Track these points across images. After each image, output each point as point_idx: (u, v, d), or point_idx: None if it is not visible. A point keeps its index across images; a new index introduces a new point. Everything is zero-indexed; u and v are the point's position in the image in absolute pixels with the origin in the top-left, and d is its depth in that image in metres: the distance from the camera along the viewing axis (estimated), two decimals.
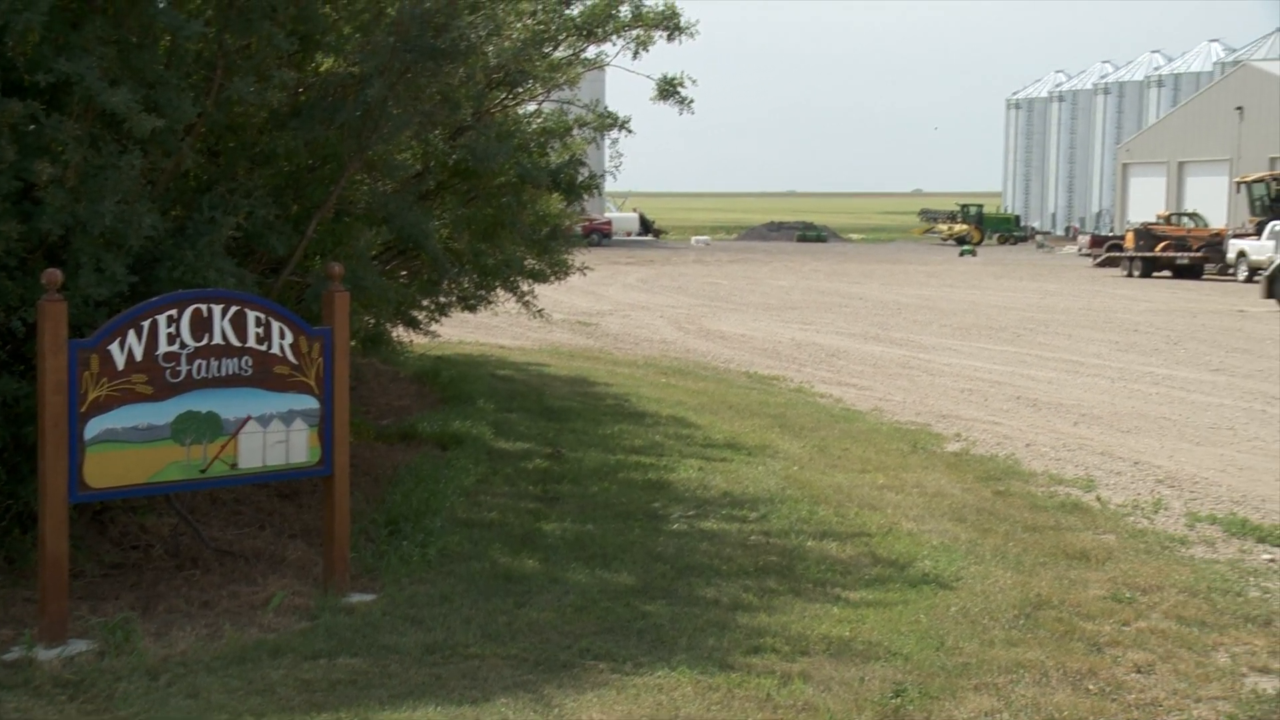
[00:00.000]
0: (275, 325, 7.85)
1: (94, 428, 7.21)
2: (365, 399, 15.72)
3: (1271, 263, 34.35)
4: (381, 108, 8.69)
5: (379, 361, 17.71)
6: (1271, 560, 9.85)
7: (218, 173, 8.95)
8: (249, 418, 7.78)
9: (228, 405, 7.69)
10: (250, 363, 7.75)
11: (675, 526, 10.33)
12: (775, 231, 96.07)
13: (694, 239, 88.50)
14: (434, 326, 16.02)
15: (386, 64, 8.61)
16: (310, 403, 8.04)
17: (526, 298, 15.30)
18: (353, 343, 12.59)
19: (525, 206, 12.61)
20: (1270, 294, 34.45)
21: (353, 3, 9.24)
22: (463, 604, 8.11)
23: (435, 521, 9.83)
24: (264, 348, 7.80)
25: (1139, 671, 7.33)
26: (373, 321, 12.95)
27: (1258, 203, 44.74)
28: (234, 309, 7.68)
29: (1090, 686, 7.04)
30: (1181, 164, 71.07)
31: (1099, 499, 11.84)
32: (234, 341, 7.68)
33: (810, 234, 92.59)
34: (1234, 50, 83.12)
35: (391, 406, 15.78)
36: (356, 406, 13.99)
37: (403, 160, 10.29)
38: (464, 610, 7.98)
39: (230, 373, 7.68)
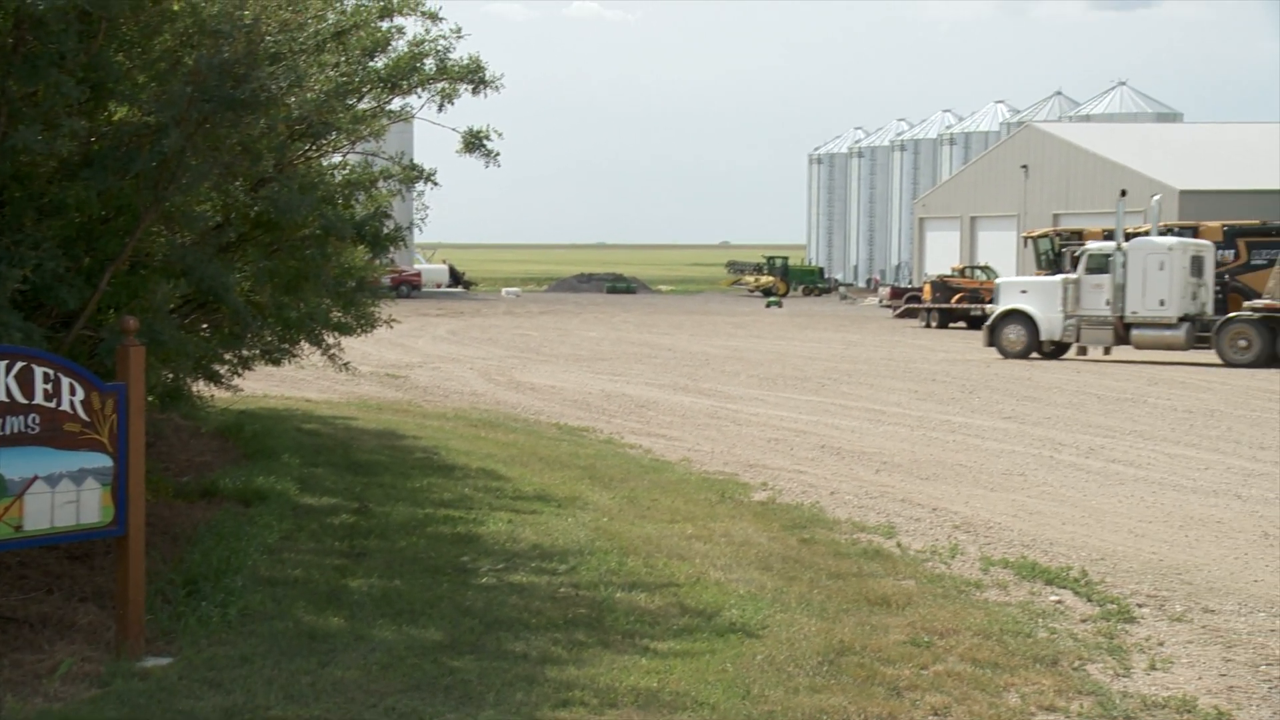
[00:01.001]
0: (65, 381, 7.58)
1: None
2: (164, 456, 15.25)
3: (992, 313, 36.58)
4: (179, 158, 8.49)
5: (179, 417, 17.21)
6: (1059, 602, 10.24)
7: (2, 224, 8.61)
8: (36, 477, 7.48)
9: (12, 465, 7.38)
10: (38, 420, 7.46)
11: (484, 580, 10.25)
12: (585, 283, 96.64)
13: (504, 290, 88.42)
14: (237, 380, 15.65)
15: (184, 114, 8.41)
16: (103, 461, 7.77)
17: (332, 351, 15.06)
18: (150, 398, 12.21)
19: (330, 259, 12.43)
20: (991, 343, 36.04)
21: (147, 51, 9.02)
22: (264, 664, 7.90)
23: (236, 580, 9.57)
24: (53, 405, 7.52)
25: (936, 714, 7.52)
26: (171, 376, 12.59)
27: (1043, 256, 46.98)
28: (19, 365, 7.39)
29: None
30: (974, 218, 73.90)
31: (899, 545, 12.15)
32: (19, 399, 7.38)
33: (620, 285, 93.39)
34: (1018, 111, 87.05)
35: (192, 463, 15.34)
36: (154, 464, 13.56)
37: (202, 211, 10.05)
38: (265, 671, 7.77)
39: (15, 431, 7.38)
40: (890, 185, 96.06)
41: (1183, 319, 33.94)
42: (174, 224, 9.65)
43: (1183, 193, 57.59)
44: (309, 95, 10.13)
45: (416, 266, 79.18)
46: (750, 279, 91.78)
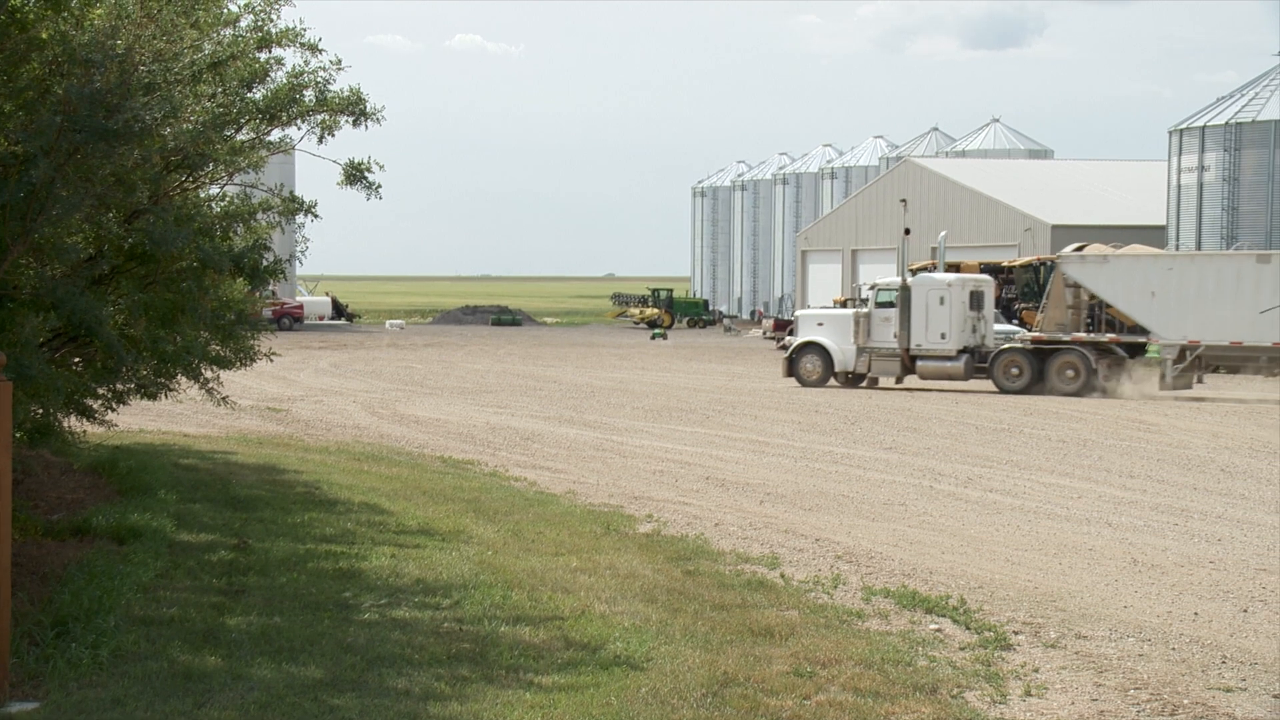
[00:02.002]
0: None
1: None
2: (33, 493, 14.84)
3: (790, 345, 37.99)
4: (48, 189, 8.31)
5: (49, 453, 16.77)
6: (938, 630, 10.39)
7: None
8: None
9: None
10: None
11: (366, 616, 10.12)
12: (470, 315, 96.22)
13: (388, 323, 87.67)
14: (111, 416, 15.34)
15: (53, 144, 8.24)
16: None
17: (210, 385, 14.83)
18: (18, 434, 11.90)
19: (207, 292, 12.25)
20: (790, 373, 37.31)
21: (14, 79, 8.83)
22: (137, 707, 7.72)
23: (108, 620, 9.33)
24: None
25: None
26: (41, 411, 12.28)
27: None
28: None
29: None
30: (855, 251, 75.03)
31: (783, 576, 12.24)
32: None
33: (505, 317, 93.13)
34: (897, 146, 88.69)
35: (63, 500, 14.95)
36: (22, 501, 13.20)
37: (73, 243, 9.84)
38: (138, 714, 7.59)
39: None
40: (773, 218, 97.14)
41: (962, 351, 35.64)
42: (44, 256, 9.44)
43: (1055, 227, 59.08)
44: (185, 126, 10.00)
45: (299, 299, 78.23)
46: (635, 311, 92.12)
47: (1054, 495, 17.56)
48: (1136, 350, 34.92)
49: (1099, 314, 35.53)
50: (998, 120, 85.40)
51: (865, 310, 36.59)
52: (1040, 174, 72.48)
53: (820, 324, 37.58)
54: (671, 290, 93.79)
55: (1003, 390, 34.70)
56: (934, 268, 50.23)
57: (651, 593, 11.20)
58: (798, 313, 41.23)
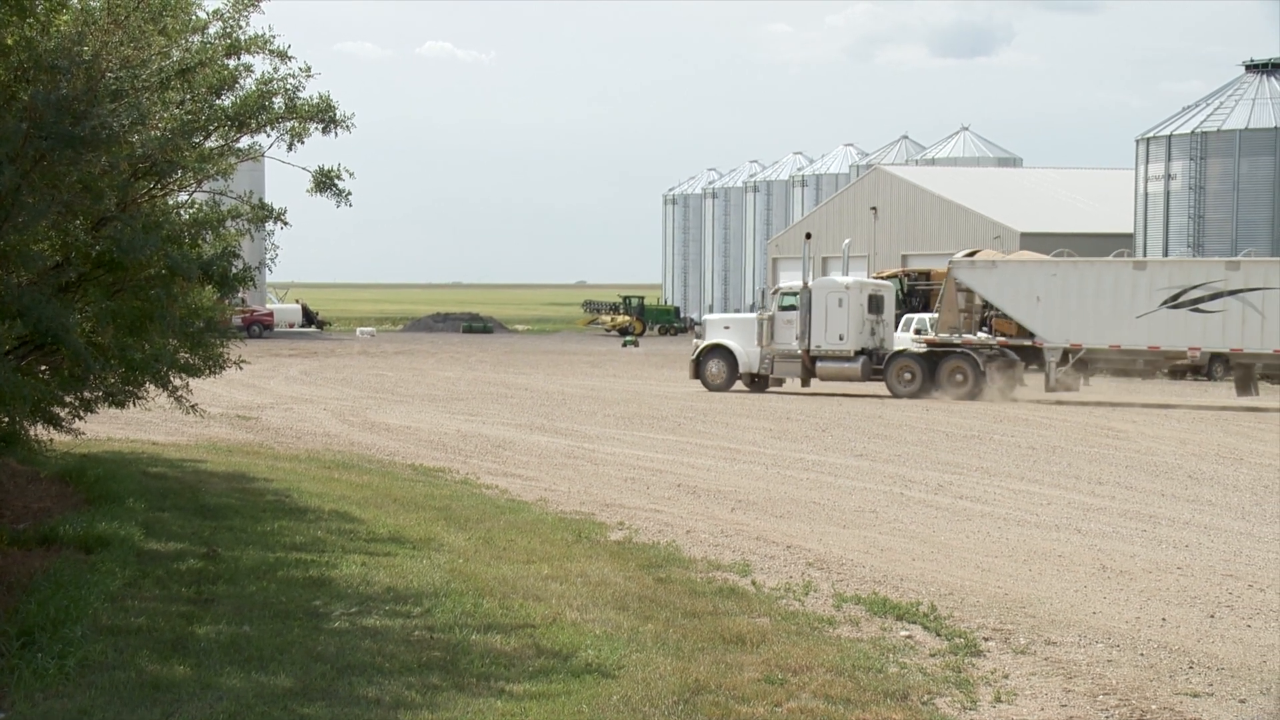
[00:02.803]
0: None
1: None
2: None
3: (698, 349, 38.48)
4: (14, 196, 8.25)
5: (15, 462, 16.63)
6: (909, 637, 10.42)
7: None
8: None
9: None
10: None
11: (337, 624, 10.08)
12: (441, 322, 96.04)
13: (359, 330, 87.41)
14: (78, 424, 15.24)
15: (19, 150, 8.19)
16: None
17: (179, 392, 14.75)
18: None
19: (176, 299, 12.19)
20: (696, 375, 37.79)
21: None
22: (103, 718, 7.67)
23: (75, 630, 9.27)
24: None
25: None
26: (6, 420, 12.19)
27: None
28: None
29: None
30: (825, 259, 75.23)
31: (754, 583, 12.25)
32: None
33: (476, 325, 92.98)
34: (867, 154, 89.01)
35: (30, 509, 14.83)
36: None
37: (40, 250, 9.78)
38: None
39: None
40: (744, 225, 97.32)
41: (860, 353, 36.32)
42: (9, 263, 9.37)
43: (1024, 234, 59.38)
44: (153, 133, 9.95)
45: (269, 306, 77.93)
46: (606, 318, 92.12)
47: (1023, 502, 17.64)
48: (1034, 354, 35.66)
49: (989, 318, 36.68)
50: (967, 128, 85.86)
51: (769, 313, 37.23)
52: (1009, 182, 72.85)
53: (727, 327, 38.35)
54: (643, 298, 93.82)
55: (895, 394, 35.35)
56: (904, 276, 50.42)
57: (623, 600, 11.19)
58: (705, 317, 42.23)
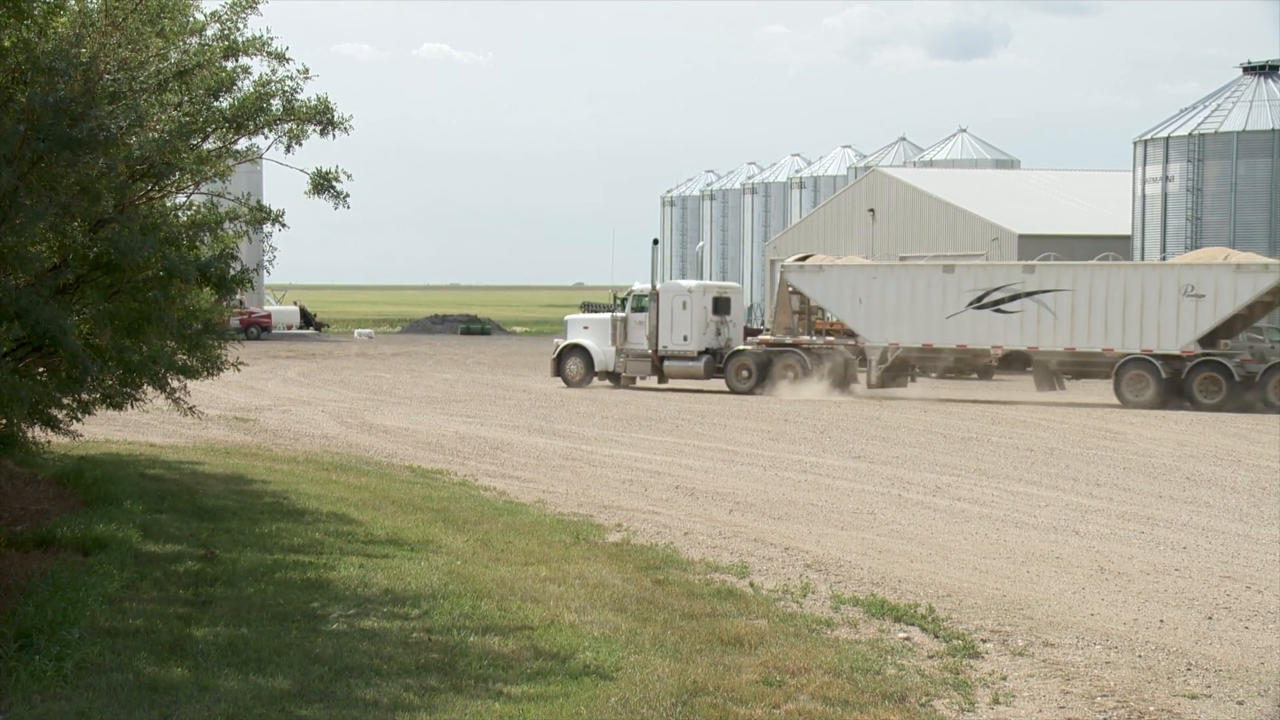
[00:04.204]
0: None
1: None
2: None
3: (558, 348, 40.31)
4: (12, 197, 8.25)
5: (13, 464, 16.63)
6: (907, 638, 10.42)
7: None
8: None
9: None
10: None
11: (335, 626, 10.07)
12: (439, 324, 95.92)
13: (356, 332, 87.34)
14: (76, 426, 15.23)
15: (17, 152, 8.19)
16: None
17: (177, 394, 14.75)
18: None
19: (174, 301, 12.18)
20: (557, 373, 39.49)
21: None
22: (101, 719, 7.65)
23: (73, 632, 9.26)
24: None
25: None
26: (4, 422, 12.18)
27: None
28: None
29: None
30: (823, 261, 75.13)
31: (752, 585, 12.25)
32: None
33: (474, 327, 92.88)
34: (865, 156, 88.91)
35: (27, 511, 14.82)
36: None
37: (37, 252, 9.78)
38: None
39: None
40: (742, 227, 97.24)
41: (703, 352, 38.10)
42: (7, 265, 9.37)
43: (1021, 236, 59.39)
44: (151, 135, 9.95)
45: (266, 308, 77.88)
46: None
47: (1021, 504, 17.64)
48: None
49: (817, 318, 39.26)
50: (965, 130, 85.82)
51: (622, 315, 39.00)
52: (1007, 184, 72.83)
53: (585, 327, 40.12)
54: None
55: (733, 390, 36.99)
56: None
57: (621, 602, 11.19)
58: (567, 317, 43.93)
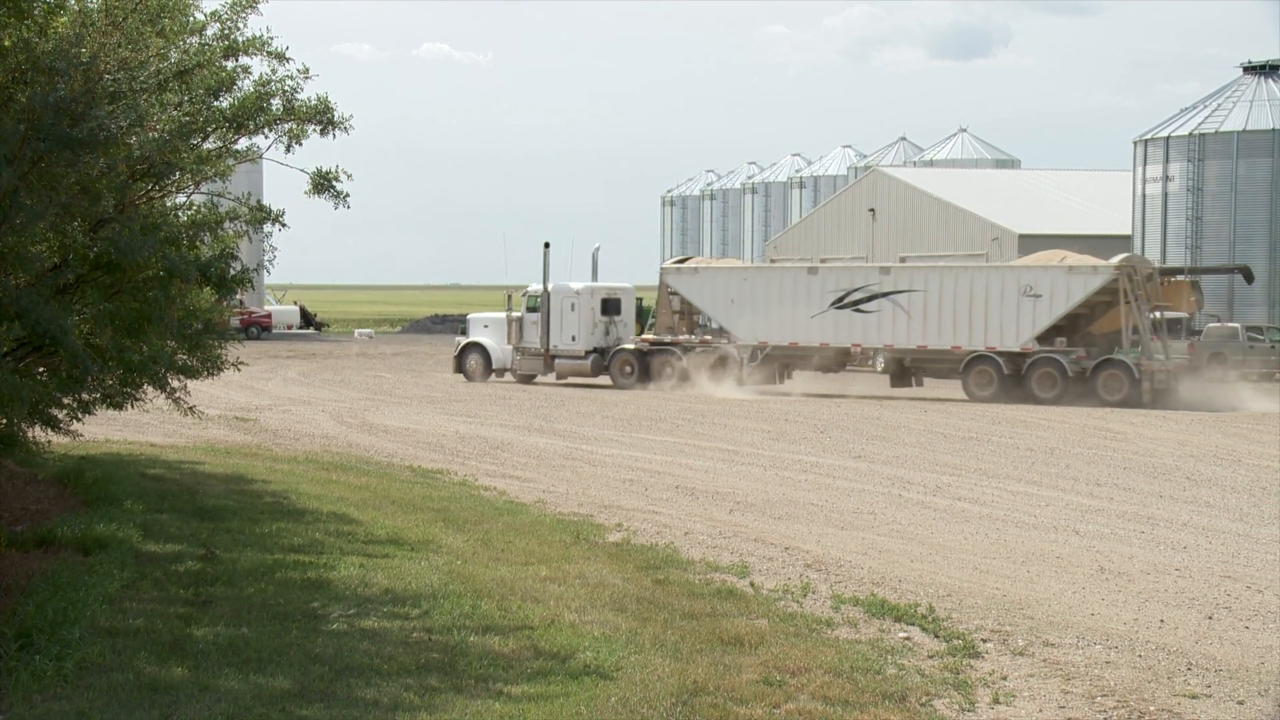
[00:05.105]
0: None
1: None
2: None
3: (459, 345, 42.08)
4: (12, 197, 8.25)
5: (13, 464, 16.64)
6: (907, 638, 10.42)
7: None
8: None
9: None
10: None
11: (335, 626, 10.07)
12: (439, 324, 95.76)
13: (357, 332, 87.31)
14: (76, 425, 15.23)
15: (17, 152, 8.19)
16: None
17: (177, 394, 14.75)
18: None
19: (174, 301, 12.18)
20: (459, 369, 41.31)
21: None
22: (101, 719, 7.65)
23: (74, 632, 9.27)
24: None
25: None
26: (4, 421, 12.18)
27: None
28: None
29: None
30: (824, 260, 75.20)
31: (753, 585, 12.25)
32: None
33: None
34: (865, 156, 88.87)
35: (27, 511, 14.83)
36: None
37: (38, 252, 9.78)
38: None
39: None
40: (742, 227, 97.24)
41: (590, 351, 39.72)
42: (8, 265, 9.37)
43: (1021, 236, 59.36)
44: (151, 135, 9.95)
45: (267, 308, 77.87)
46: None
47: (1022, 503, 17.64)
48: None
49: (696, 318, 40.63)
50: (965, 130, 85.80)
51: (518, 314, 40.71)
52: (1007, 184, 72.79)
53: (486, 326, 42.02)
54: (641, 299, 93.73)
55: (618, 386, 38.52)
56: None
57: (621, 602, 11.19)
58: (469, 316, 45.74)
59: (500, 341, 40.82)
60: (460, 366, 41.29)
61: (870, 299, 36.76)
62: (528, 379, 40.30)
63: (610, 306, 40.82)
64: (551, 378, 40.10)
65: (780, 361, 38.48)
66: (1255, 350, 42.09)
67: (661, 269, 41.19)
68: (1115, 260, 35.66)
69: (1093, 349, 34.80)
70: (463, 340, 42.18)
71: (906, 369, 37.22)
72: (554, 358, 39.95)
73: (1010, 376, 34.69)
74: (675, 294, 40.32)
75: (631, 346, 39.54)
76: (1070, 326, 35.20)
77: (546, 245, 41.87)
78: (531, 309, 40.32)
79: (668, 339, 39.52)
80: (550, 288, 40.37)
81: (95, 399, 14.27)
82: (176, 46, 11.15)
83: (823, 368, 38.49)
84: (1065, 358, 34.26)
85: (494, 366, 40.65)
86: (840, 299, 37.09)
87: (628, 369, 38.99)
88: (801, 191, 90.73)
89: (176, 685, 8.41)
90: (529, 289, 41.10)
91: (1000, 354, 34.96)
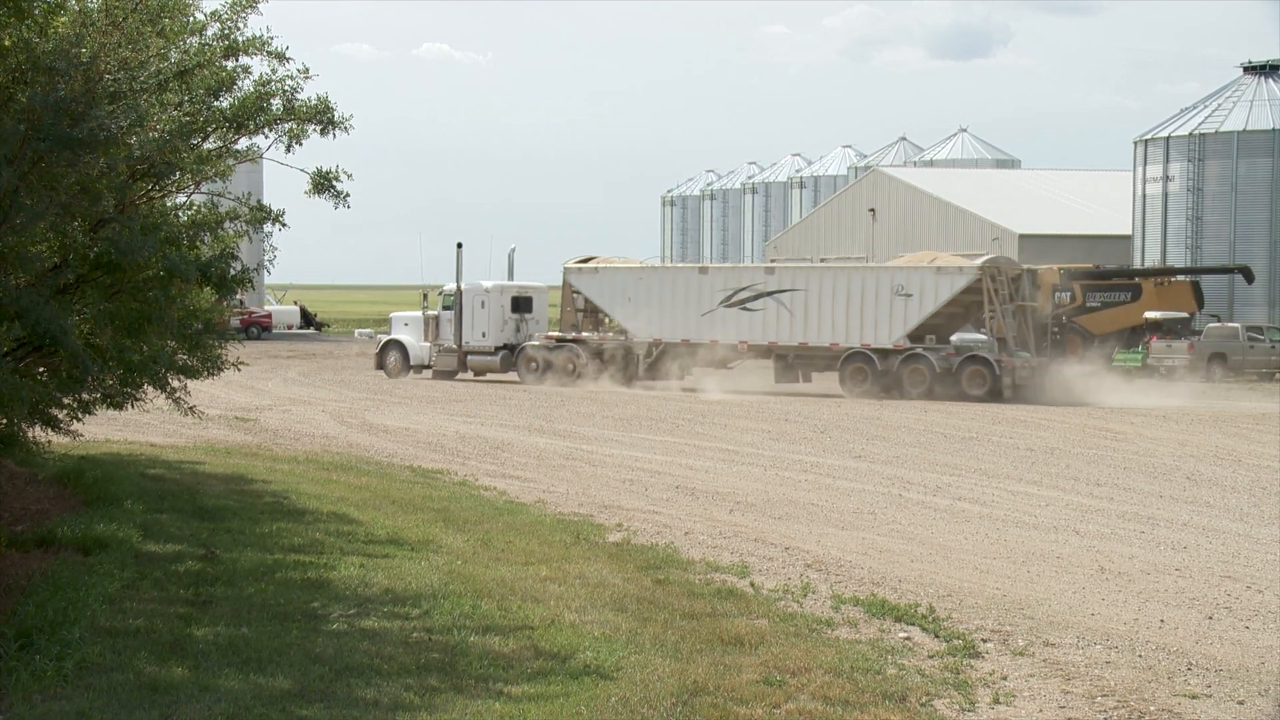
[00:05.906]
0: None
1: None
2: None
3: (380, 343, 43.31)
4: (12, 197, 8.25)
5: (13, 464, 16.63)
6: (907, 638, 10.42)
7: None
8: None
9: None
10: None
11: (335, 626, 10.07)
12: None
13: (357, 332, 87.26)
14: (76, 425, 15.23)
15: (17, 152, 8.19)
16: None
17: (177, 394, 14.75)
18: None
19: (174, 301, 12.18)
20: (380, 366, 42.45)
21: None
22: (101, 719, 7.65)
23: (74, 632, 9.26)
24: None
25: None
26: (4, 421, 12.18)
27: None
28: None
29: None
30: (824, 260, 75.16)
31: (753, 585, 12.25)
32: None
33: None
34: (865, 156, 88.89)
35: (28, 511, 14.82)
36: None
37: (38, 252, 9.78)
38: None
39: None
40: (742, 227, 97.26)
41: (500, 348, 41.03)
42: (8, 265, 9.37)
43: (1022, 236, 59.39)
44: (151, 135, 9.95)
45: (267, 308, 77.86)
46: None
47: (1022, 503, 17.64)
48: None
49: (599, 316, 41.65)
50: (965, 130, 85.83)
51: (434, 313, 41.94)
52: (1007, 183, 72.81)
53: (406, 324, 43.12)
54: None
55: (523, 381, 39.74)
56: None
57: (621, 602, 11.19)
58: (391, 314, 46.57)
59: (418, 339, 42.06)
60: (381, 363, 42.48)
61: (756, 298, 38.06)
62: (446, 375, 41.30)
63: (520, 304, 42.04)
64: (470, 375, 41.29)
65: (673, 358, 39.45)
66: (1255, 350, 42.20)
67: (565, 268, 42.31)
68: (979, 261, 36.97)
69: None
70: (384, 338, 43.56)
71: (791, 365, 38.43)
72: (467, 354, 41.18)
73: (883, 373, 35.94)
74: (578, 293, 41.47)
75: (537, 343, 40.67)
76: (947, 326, 36.46)
77: (459, 245, 43.00)
78: (447, 307, 41.46)
79: (570, 336, 40.70)
80: (463, 286, 41.54)
81: (95, 399, 14.27)
82: (176, 46, 11.15)
83: (713, 364, 39.45)
84: (934, 354, 35.47)
85: (412, 363, 41.82)
86: (729, 298, 38.40)
87: (533, 365, 40.09)
88: (802, 191, 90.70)
89: (176, 685, 8.40)
90: (444, 288, 42.18)
91: (874, 351, 36.23)
